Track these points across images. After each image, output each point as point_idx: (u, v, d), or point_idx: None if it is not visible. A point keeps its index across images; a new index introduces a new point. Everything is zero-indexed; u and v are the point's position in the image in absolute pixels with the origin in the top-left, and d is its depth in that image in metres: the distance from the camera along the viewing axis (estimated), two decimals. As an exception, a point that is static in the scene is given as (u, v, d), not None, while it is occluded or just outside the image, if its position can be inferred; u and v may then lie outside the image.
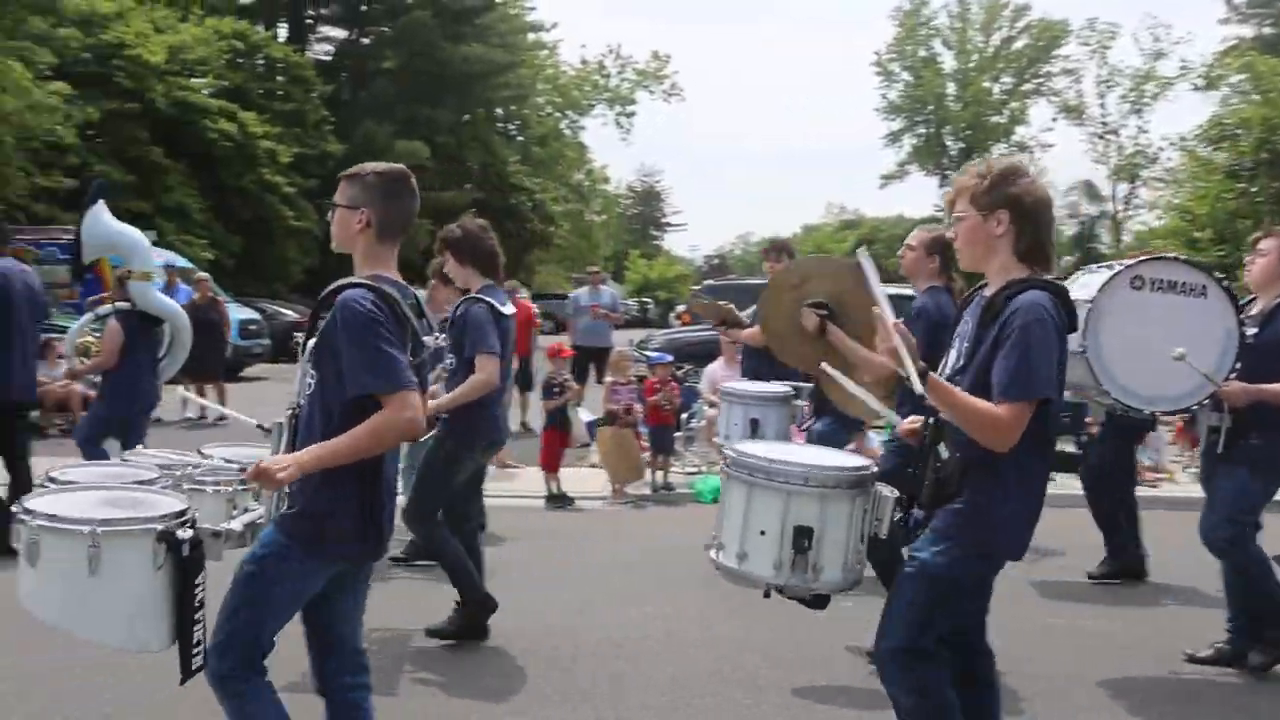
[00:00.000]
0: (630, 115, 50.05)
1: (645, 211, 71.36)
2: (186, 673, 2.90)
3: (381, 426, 2.76)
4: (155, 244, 18.53)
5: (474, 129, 37.53)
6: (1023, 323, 2.73)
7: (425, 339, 3.07)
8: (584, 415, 9.43)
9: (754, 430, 5.47)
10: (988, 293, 2.92)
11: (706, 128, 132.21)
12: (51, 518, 2.83)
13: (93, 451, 6.59)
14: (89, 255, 7.68)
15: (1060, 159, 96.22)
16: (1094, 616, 5.60)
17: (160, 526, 2.84)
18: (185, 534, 2.84)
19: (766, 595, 3.16)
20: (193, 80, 26.29)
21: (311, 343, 2.89)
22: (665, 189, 72.04)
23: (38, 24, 15.87)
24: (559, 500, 8.19)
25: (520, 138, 43.22)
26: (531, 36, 43.60)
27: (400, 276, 3.03)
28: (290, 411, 2.94)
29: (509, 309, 4.98)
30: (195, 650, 2.90)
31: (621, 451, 8.46)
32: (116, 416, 6.71)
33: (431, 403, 4.53)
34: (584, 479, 8.65)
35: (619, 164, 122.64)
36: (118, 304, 6.88)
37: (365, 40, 36.91)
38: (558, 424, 8.36)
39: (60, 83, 16.83)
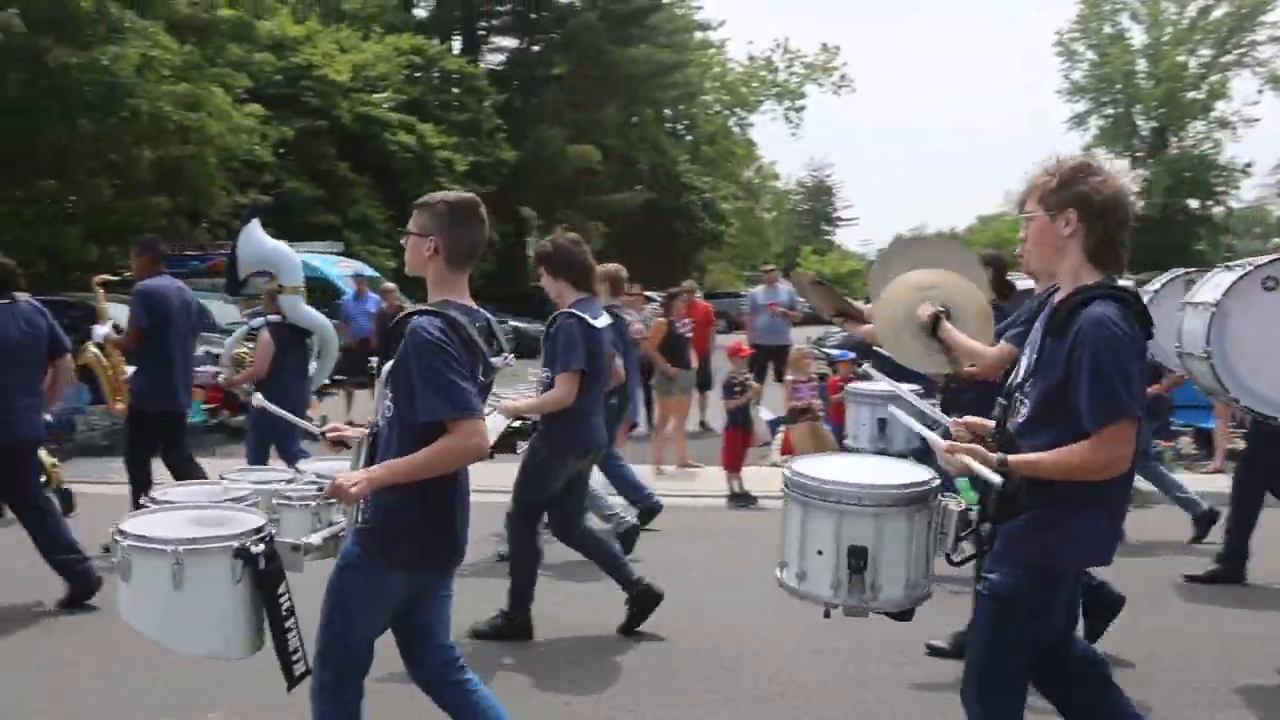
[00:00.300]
0: (800, 110, 49.51)
1: (816, 207, 70.47)
2: (290, 680, 3.07)
3: (447, 450, 2.88)
4: (342, 255, 19.53)
5: (643, 130, 37.84)
6: (1093, 348, 2.61)
7: (494, 360, 3.17)
8: (764, 414, 9.37)
9: (881, 431, 5.34)
10: (1057, 298, 2.81)
11: (875, 120, 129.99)
12: (140, 538, 3.03)
13: (292, 451, 7.04)
14: (244, 272, 7.97)
15: (1266, 134, 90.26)
16: (1243, 620, 5.29)
17: (236, 543, 3.02)
18: (259, 549, 3.02)
19: (826, 615, 3.10)
20: (374, 96, 27.42)
21: (387, 367, 3.00)
22: (836, 183, 70.98)
23: (235, 51, 16.83)
24: (741, 499, 8.15)
25: (689, 137, 43.36)
26: (699, 35, 43.63)
27: (470, 300, 3.14)
28: (370, 432, 3.08)
29: (601, 322, 5.09)
30: (294, 657, 3.07)
31: (819, 443, 8.33)
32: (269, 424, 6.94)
33: (509, 404, 4.94)
34: (765, 478, 8.56)
35: (787, 160, 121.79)
36: (269, 317, 7.26)
37: (535, 48, 37.65)
38: (739, 423, 8.30)
39: (256, 105, 17.79)
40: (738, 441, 8.27)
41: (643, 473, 7.90)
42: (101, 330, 7.55)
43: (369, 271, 16.33)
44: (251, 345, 8.05)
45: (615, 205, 34.36)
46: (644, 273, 14.65)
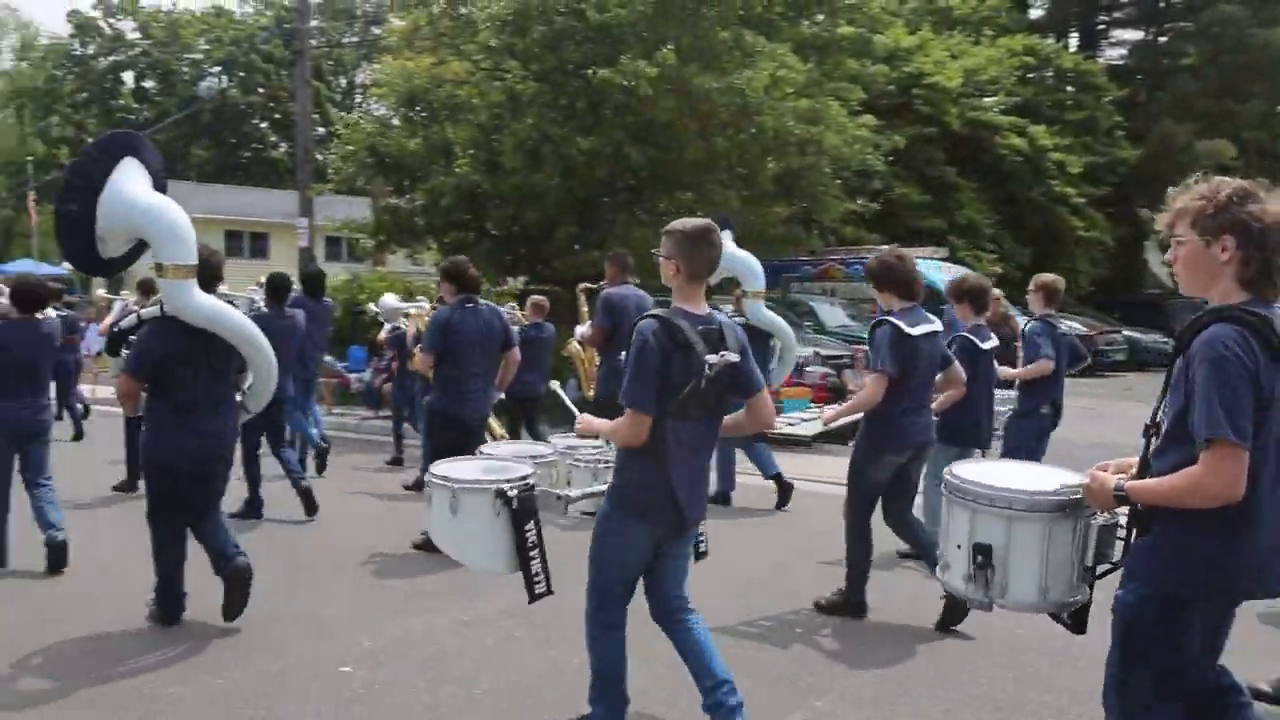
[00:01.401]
0: None
1: None
2: (531, 595, 4.15)
3: (612, 430, 3.85)
4: (946, 259, 19.58)
5: (1290, 119, 33.15)
6: (1200, 366, 2.60)
7: (707, 358, 3.70)
8: None
9: None
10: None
11: None
12: (437, 476, 4.30)
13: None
14: (712, 278, 8.87)
15: None
16: None
17: (495, 487, 4.14)
18: (513, 492, 4.12)
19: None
20: (984, 100, 27.09)
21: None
22: None
23: (852, 65, 17.64)
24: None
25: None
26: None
27: (705, 308, 3.86)
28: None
29: (918, 330, 5.45)
30: (535, 579, 4.14)
31: None
32: None
33: (830, 412, 6.09)
34: None
35: None
36: (734, 318, 7.77)
37: (1162, 39, 34.69)
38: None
39: (869, 115, 18.49)
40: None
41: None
42: (581, 329, 9.08)
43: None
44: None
45: None
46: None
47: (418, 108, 17.04)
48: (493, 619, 5.59)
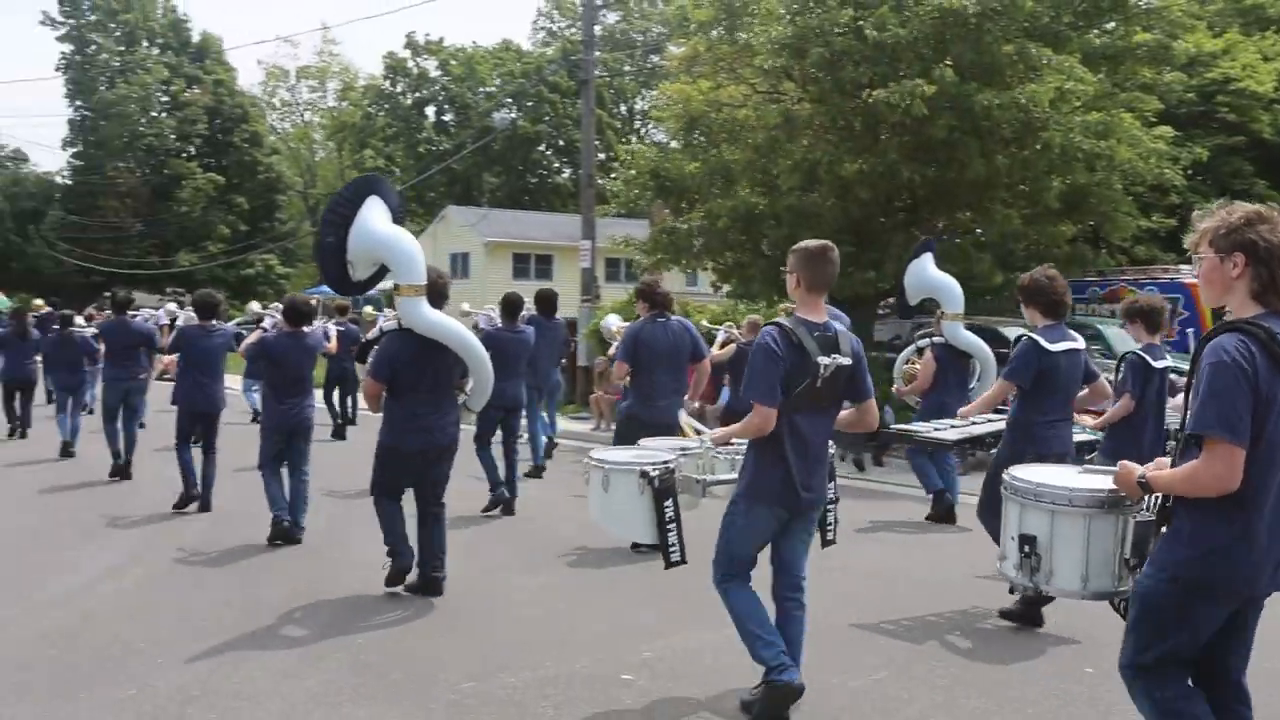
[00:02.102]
0: None
1: None
2: (666, 563, 4.99)
3: (744, 426, 4.46)
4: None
5: None
6: (1205, 371, 2.88)
7: (820, 360, 4.28)
8: None
9: None
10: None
11: None
12: (594, 459, 5.27)
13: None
14: (912, 298, 9.02)
15: None
16: None
17: (639, 468, 4.98)
18: (655, 473, 4.92)
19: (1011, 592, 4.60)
20: (1303, 105, 24.84)
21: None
22: None
23: (1145, 74, 16.71)
24: None
25: None
26: None
27: (823, 317, 4.42)
28: None
29: (1058, 346, 5.87)
30: (671, 550, 4.94)
31: None
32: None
33: (965, 409, 6.67)
34: None
35: None
36: (935, 339, 8.07)
37: None
38: None
39: (1165, 127, 17.44)
40: None
41: None
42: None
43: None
44: (918, 363, 9.31)
45: None
46: None
47: (696, 132, 17.60)
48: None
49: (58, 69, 49.64)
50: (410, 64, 56.39)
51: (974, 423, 6.59)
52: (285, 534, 7.80)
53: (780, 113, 15.79)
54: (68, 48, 49.59)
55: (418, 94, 56.63)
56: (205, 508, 9.08)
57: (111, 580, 6.95)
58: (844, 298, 15.44)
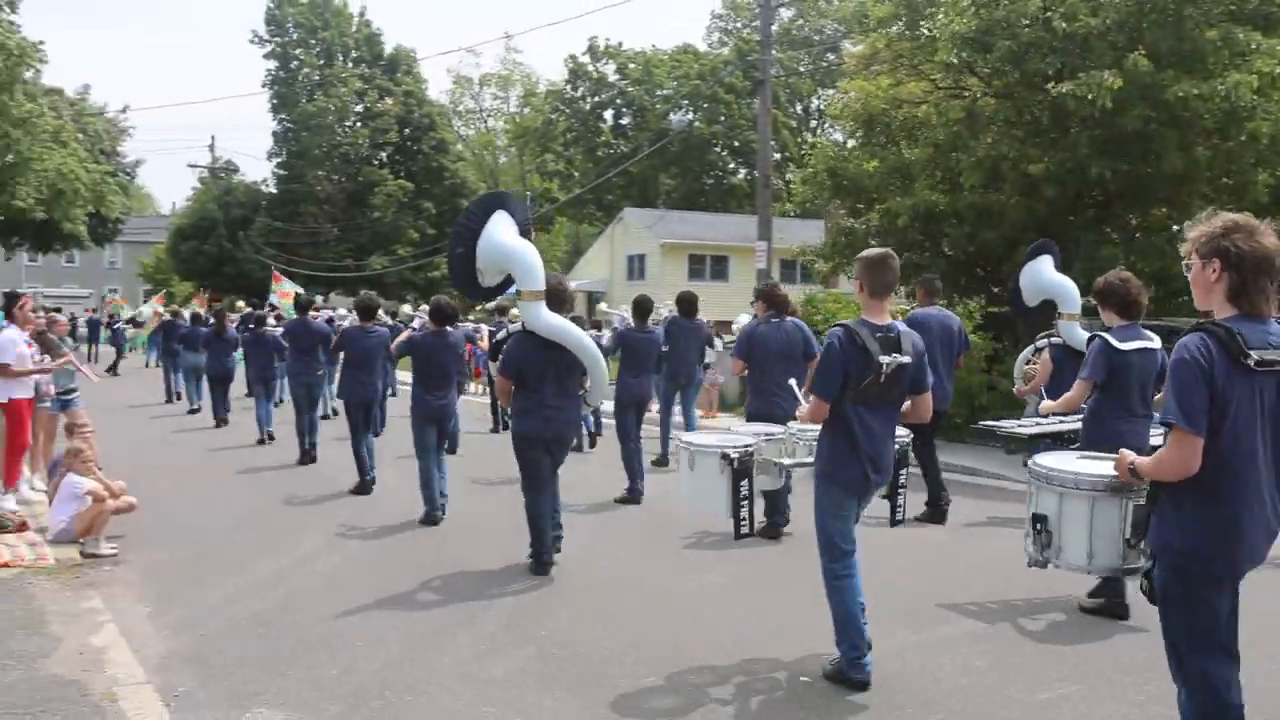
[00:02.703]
0: None
1: None
2: (736, 534, 5.59)
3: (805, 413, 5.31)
4: None
5: None
6: (1170, 365, 3.31)
7: (883, 359, 4.74)
8: None
9: None
10: None
11: None
12: (686, 443, 5.92)
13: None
14: (1030, 300, 9.09)
15: None
16: None
17: (720, 451, 5.61)
18: (734, 455, 5.54)
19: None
20: None
21: None
22: None
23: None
24: None
25: None
26: None
27: (886, 319, 4.91)
28: None
29: (1130, 345, 6.02)
30: (742, 524, 5.55)
31: None
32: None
33: (1046, 404, 6.77)
34: None
35: None
36: (1052, 339, 8.25)
37: None
38: None
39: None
40: None
41: None
42: None
43: None
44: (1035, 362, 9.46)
45: None
46: None
47: (875, 130, 17.34)
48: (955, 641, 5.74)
49: (263, 84, 52.97)
50: (590, 68, 57.46)
51: (1062, 420, 6.71)
52: (430, 517, 8.79)
53: (963, 108, 15.41)
54: (273, 64, 52.77)
55: (597, 98, 57.67)
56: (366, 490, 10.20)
57: (310, 564, 7.45)
58: (1029, 298, 14.94)
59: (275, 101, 52.61)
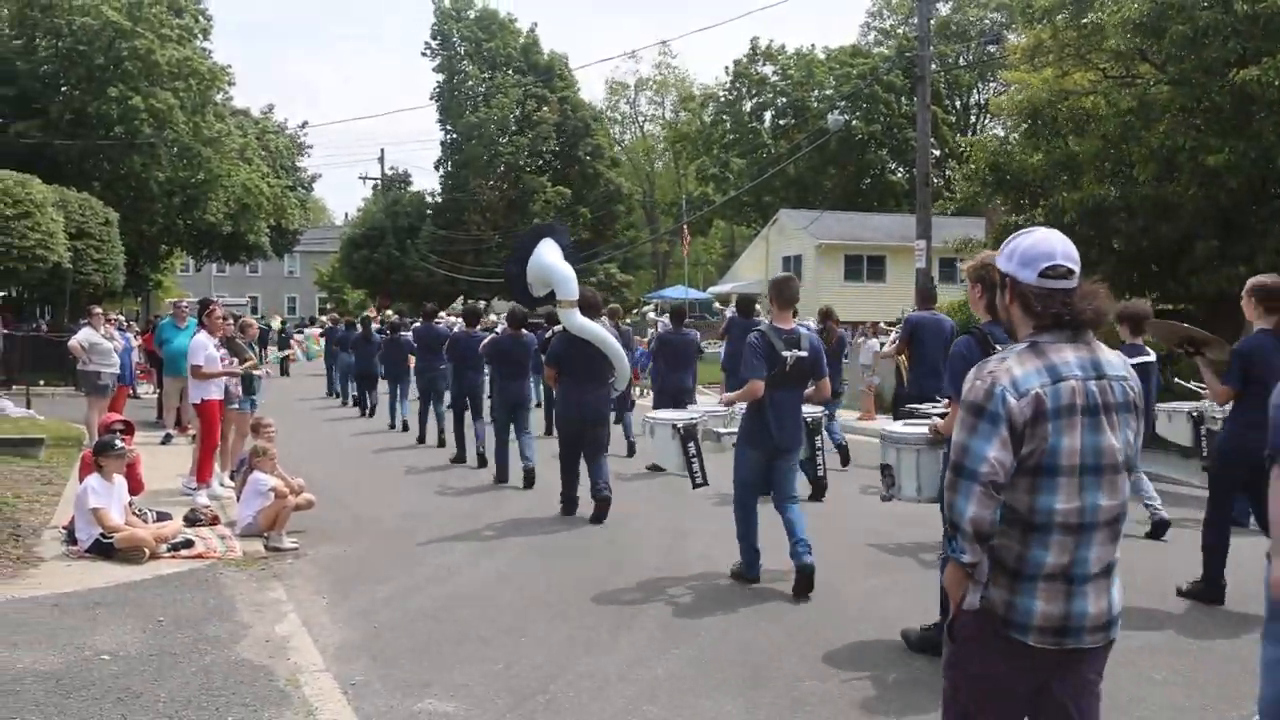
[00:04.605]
0: None
1: None
2: (693, 484, 7.59)
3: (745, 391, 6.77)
4: None
5: None
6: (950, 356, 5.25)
7: (784, 353, 6.57)
8: None
9: None
10: None
11: None
12: (648, 418, 8.24)
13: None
14: None
15: None
16: None
17: (673, 423, 7.59)
18: (680, 425, 7.52)
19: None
20: None
21: None
22: None
23: None
24: None
25: None
26: None
27: (790, 324, 6.77)
28: None
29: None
30: (696, 478, 7.51)
31: None
32: None
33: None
34: None
35: None
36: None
37: None
38: None
39: None
40: None
41: None
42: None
43: None
44: None
45: None
46: None
47: (1040, 123, 16.78)
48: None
49: (432, 97, 54.77)
50: (751, 70, 57.25)
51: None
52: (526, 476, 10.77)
53: (1135, 97, 14.77)
54: (440, 77, 54.52)
55: (756, 99, 57.45)
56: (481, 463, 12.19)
57: (475, 561, 7.73)
58: (1211, 295, 14.20)
59: (442, 114, 54.31)
